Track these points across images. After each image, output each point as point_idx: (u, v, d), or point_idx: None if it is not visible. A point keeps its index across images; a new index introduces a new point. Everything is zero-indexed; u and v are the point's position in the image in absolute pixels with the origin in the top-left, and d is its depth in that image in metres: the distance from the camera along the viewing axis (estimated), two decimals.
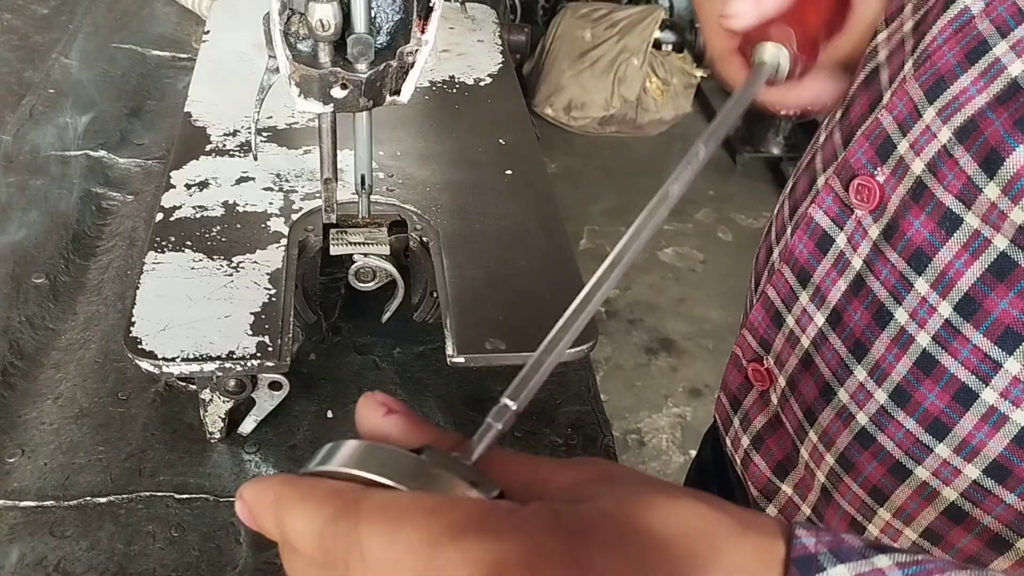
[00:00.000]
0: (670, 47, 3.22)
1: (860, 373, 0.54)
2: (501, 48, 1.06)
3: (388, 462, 0.31)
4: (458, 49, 1.05)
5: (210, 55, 0.99)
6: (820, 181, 0.59)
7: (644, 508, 0.30)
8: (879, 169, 0.52)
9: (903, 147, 0.51)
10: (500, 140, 0.90)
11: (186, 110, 0.90)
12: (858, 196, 0.53)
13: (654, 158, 3.21)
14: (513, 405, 0.33)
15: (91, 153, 1.01)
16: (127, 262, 0.88)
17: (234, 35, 1.02)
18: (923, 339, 0.50)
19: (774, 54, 0.51)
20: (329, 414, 0.77)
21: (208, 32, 1.03)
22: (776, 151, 3.11)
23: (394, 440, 0.33)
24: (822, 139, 0.62)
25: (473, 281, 0.73)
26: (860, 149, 0.53)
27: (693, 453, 2.23)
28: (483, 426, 0.33)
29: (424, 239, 0.77)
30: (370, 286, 0.79)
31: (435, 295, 0.77)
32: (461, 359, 0.67)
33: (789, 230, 0.61)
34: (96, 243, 0.91)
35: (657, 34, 3.14)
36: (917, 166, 0.50)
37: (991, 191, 0.46)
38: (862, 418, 0.54)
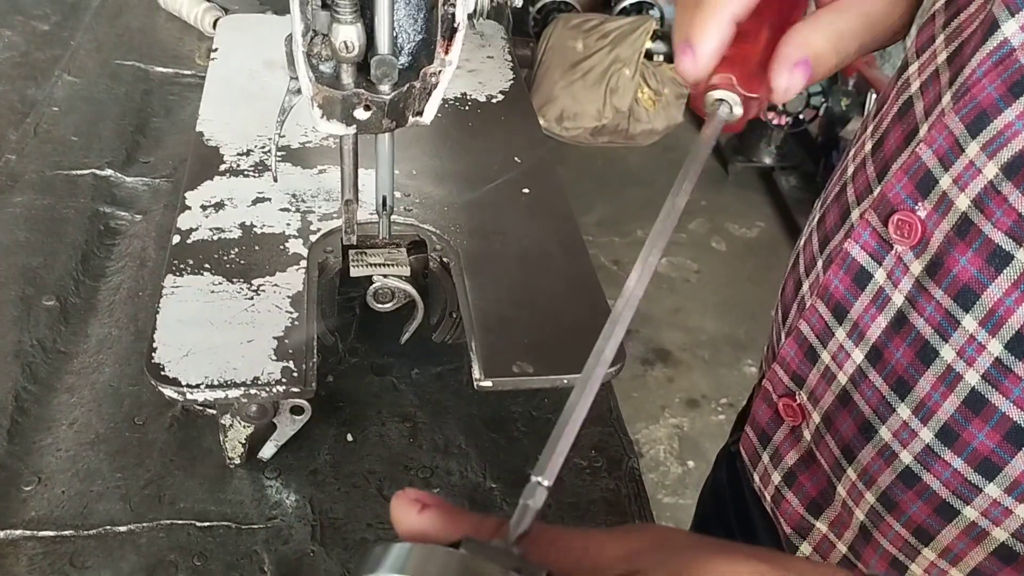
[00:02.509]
0: (662, 57, 3.23)
1: (903, 411, 0.53)
2: (511, 64, 1.06)
3: (429, 564, 0.31)
4: (468, 66, 1.04)
5: (219, 73, 0.98)
6: (854, 215, 0.57)
7: (705, 573, 0.29)
8: (920, 204, 0.51)
9: (946, 182, 0.49)
10: (515, 158, 0.90)
11: (198, 129, 0.89)
12: (898, 231, 0.52)
13: (646, 168, 3.21)
14: (545, 482, 0.33)
15: (97, 172, 1.00)
16: (138, 283, 0.87)
17: (242, 53, 1.01)
18: (972, 377, 0.49)
19: (720, 100, 0.51)
20: (349, 437, 0.76)
21: (216, 50, 1.01)
22: (768, 160, 3.12)
23: (433, 536, 0.33)
24: (851, 171, 0.60)
25: (497, 302, 0.72)
26: (899, 183, 0.52)
27: (691, 464, 2.25)
28: (519, 507, 0.33)
29: (444, 259, 0.77)
30: (388, 307, 0.78)
31: (454, 315, 0.76)
32: (489, 383, 0.66)
33: (820, 264, 0.60)
34: (105, 264, 0.90)
35: (649, 44, 3.14)
36: (962, 202, 0.48)
37: None
38: (906, 457, 0.53)
